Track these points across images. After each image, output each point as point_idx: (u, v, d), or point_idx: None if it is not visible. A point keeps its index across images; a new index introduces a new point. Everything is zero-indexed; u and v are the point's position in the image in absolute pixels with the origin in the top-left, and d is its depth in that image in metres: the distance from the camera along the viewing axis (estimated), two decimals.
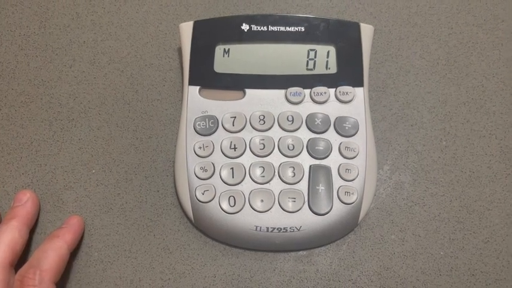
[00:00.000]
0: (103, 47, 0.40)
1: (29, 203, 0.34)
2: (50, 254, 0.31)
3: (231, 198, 0.33)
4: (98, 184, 0.36)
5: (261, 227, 0.33)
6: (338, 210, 0.33)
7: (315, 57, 0.37)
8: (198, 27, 0.37)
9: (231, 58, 0.37)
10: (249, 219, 0.33)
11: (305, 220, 0.33)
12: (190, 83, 0.37)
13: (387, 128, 0.37)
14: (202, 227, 0.35)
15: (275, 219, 0.33)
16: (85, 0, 0.42)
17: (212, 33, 0.37)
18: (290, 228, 0.33)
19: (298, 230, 0.33)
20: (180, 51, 0.40)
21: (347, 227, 0.34)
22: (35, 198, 0.35)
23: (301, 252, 0.34)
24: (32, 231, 0.35)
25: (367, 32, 0.37)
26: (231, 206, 0.33)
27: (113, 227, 0.35)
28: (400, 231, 0.35)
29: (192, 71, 0.37)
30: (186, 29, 0.37)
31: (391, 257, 0.34)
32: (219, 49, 0.37)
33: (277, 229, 0.33)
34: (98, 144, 0.37)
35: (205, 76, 0.37)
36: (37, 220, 0.35)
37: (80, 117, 0.38)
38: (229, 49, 0.37)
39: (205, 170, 0.34)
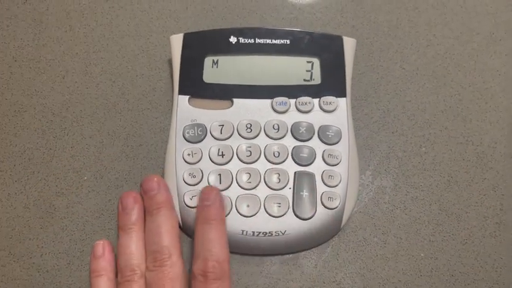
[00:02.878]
0: (95, 59, 0.42)
1: (162, 189, 0.34)
2: (217, 241, 0.31)
3: None
4: (90, 191, 0.37)
5: (247, 231, 0.34)
6: (321, 214, 0.35)
7: (300, 69, 0.39)
8: (188, 39, 0.39)
9: (220, 69, 0.39)
10: (236, 224, 0.34)
11: (290, 224, 0.34)
12: (180, 92, 0.38)
13: (369, 135, 0.39)
14: (190, 231, 0.36)
15: (261, 223, 0.34)
16: (78, 14, 0.43)
17: (201, 45, 0.39)
18: (275, 232, 0.34)
19: (283, 234, 0.34)
20: (169, 62, 0.41)
21: (330, 231, 0.35)
22: (164, 181, 0.35)
23: (286, 256, 0.35)
24: (23, 231, 0.36)
25: (349, 44, 0.39)
26: None
27: (104, 232, 0.36)
28: (382, 234, 0.36)
29: (182, 81, 0.38)
30: (177, 41, 0.39)
31: (373, 259, 0.35)
32: (208, 60, 0.39)
33: (263, 233, 0.34)
34: (90, 152, 0.38)
35: (195, 86, 0.38)
36: (28, 226, 0.36)
37: (72, 126, 0.39)
38: (217, 60, 0.39)
39: (194, 176, 0.35)
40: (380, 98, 0.40)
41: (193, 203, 0.35)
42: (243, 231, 0.34)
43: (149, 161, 0.38)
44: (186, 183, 0.35)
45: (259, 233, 0.34)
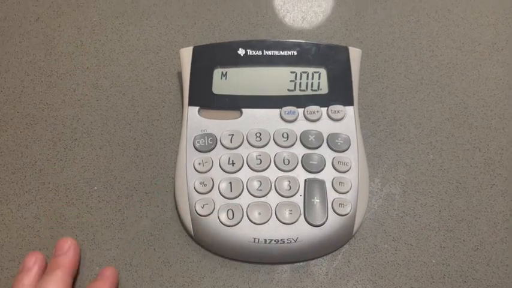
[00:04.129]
0: (105, 72, 0.43)
1: (71, 251, 0.34)
2: None
3: (230, 211, 0.35)
4: (100, 200, 0.37)
5: (258, 239, 0.34)
6: (333, 221, 0.35)
7: (307, 79, 0.39)
8: (197, 52, 0.40)
9: (229, 80, 0.39)
10: (247, 232, 0.34)
11: (301, 231, 0.34)
12: (190, 103, 0.39)
13: (377, 143, 0.39)
14: (202, 240, 0.36)
15: (272, 230, 0.34)
16: (89, 30, 0.44)
17: (210, 57, 0.40)
18: (287, 239, 0.34)
19: (295, 241, 0.34)
20: (179, 75, 0.42)
21: (342, 238, 0.35)
22: (76, 246, 0.35)
23: (297, 264, 0.35)
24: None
25: (355, 55, 0.40)
26: (229, 219, 0.34)
27: (114, 241, 0.36)
28: (392, 241, 0.36)
29: (192, 93, 0.39)
30: (186, 54, 0.40)
31: (385, 265, 0.35)
32: (217, 72, 0.40)
33: (275, 241, 0.34)
34: (100, 163, 0.39)
35: (204, 97, 0.39)
36: (39, 236, 0.36)
37: (82, 137, 0.40)
38: (226, 72, 0.40)
39: (205, 185, 0.36)
40: (386, 106, 0.41)
41: (204, 211, 0.35)
42: (254, 239, 0.34)
43: (159, 170, 0.38)
44: (197, 191, 0.35)
45: (271, 240, 0.34)
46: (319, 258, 0.35)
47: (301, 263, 0.35)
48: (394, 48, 0.43)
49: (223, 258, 0.35)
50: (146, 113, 0.41)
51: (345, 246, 0.36)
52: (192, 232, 0.35)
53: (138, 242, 0.36)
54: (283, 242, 0.34)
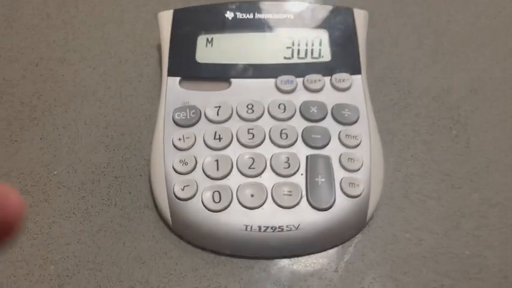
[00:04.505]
0: (74, 45, 0.37)
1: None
2: None
3: (216, 193, 0.28)
4: (60, 187, 0.31)
5: (251, 226, 0.28)
6: (342, 204, 0.28)
7: (307, 45, 0.34)
8: (178, 16, 0.34)
9: (215, 48, 0.34)
10: (238, 218, 0.28)
11: (304, 217, 0.28)
12: (170, 73, 0.33)
13: (390, 119, 0.34)
14: (182, 230, 0.29)
15: (268, 216, 0.28)
16: (57, 1, 0.39)
17: (194, 22, 0.34)
18: (287, 226, 0.28)
19: (296, 228, 0.28)
20: (158, 48, 0.37)
21: (354, 225, 0.29)
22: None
23: (300, 258, 0.29)
24: None
25: (361, 17, 0.35)
26: (215, 203, 0.28)
27: (75, 235, 0.29)
28: (415, 229, 0.29)
29: (172, 61, 0.33)
30: (165, 18, 0.34)
31: (407, 259, 0.29)
32: (202, 39, 0.34)
33: (271, 228, 0.28)
34: (63, 144, 0.32)
35: (186, 66, 0.33)
36: None
37: (43, 116, 0.34)
38: (212, 39, 0.34)
39: (186, 163, 0.29)
40: (398, 79, 0.35)
41: (185, 194, 0.28)
42: (246, 226, 0.28)
43: (132, 151, 0.32)
44: (176, 171, 0.29)
45: (267, 227, 0.28)
46: (327, 251, 0.29)
47: (305, 257, 0.29)
48: (404, 16, 0.38)
49: (208, 253, 0.29)
50: (119, 88, 0.35)
51: (357, 236, 0.29)
52: (170, 221, 0.29)
53: (105, 235, 0.29)
54: (282, 229, 0.28)
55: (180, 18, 0.34)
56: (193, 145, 0.30)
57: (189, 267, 0.28)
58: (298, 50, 0.34)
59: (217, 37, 0.34)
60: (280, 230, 0.28)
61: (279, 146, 0.30)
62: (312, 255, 0.29)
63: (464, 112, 0.34)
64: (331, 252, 0.29)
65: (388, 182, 0.31)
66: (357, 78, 0.33)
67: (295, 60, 0.33)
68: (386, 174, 0.31)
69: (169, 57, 0.33)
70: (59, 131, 0.33)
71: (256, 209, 0.28)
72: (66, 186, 0.31)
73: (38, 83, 0.35)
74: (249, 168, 0.29)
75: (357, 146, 0.30)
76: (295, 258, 0.29)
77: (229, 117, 0.31)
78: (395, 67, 0.36)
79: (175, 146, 0.30)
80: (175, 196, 0.28)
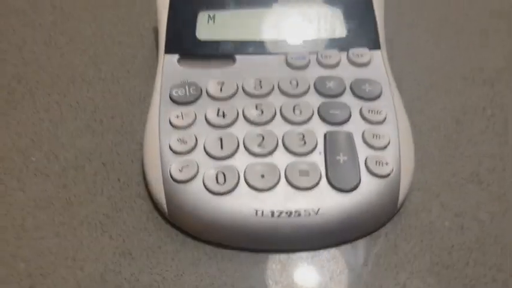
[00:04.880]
0: (62, 29, 0.34)
1: None
2: None
3: (220, 174, 0.24)
4: (37, 174, 0.26)
5: (262, 211, 0.23)
6: (369, 185, 0.24)
7: (319, 20, 0.31)
8: None
9: (217, 25, 0.30)
10: (246, 201, 0.23)
11: (324, 200, 0.23)
12: (167, 51, 0.29)
13: (415, 97, 0.30)
14: (179, 218, 0.24)
15: (282, 199, 0.23)
16: None
17: None
18: (304, 211, 0.23)
19: (316, 213, 0.23)
20: (155, 30, 0.33)
21: (384, 210, 0.24)
22: None
23: (321, 250, 0.24)
24: None
25: None
26: (219, 184, 0.24)
27: (52, 227, 0.25)
28: (455, 217, 0.25)
29: (170, 38, 0.30)
30: None
31: (449, 250, 0.24)
32: (203, 15, 0.31)
33: (286, 213, 0.23)
34: (43, 128, 0.28)
35: (186, 43, 0.30)
36: None
37: (22, 99, 0.30)
38: (214, 15, 0.31)
39: (184, 142, 0.25)
40: (421, 56, 0.32)
41: (184, 175, 0.24)
42: (256, 211, 0.23)
43: (123, 135, 0.28)
44: (173, 151, 0.25)
45: (281, 212, 0.23)
46: (352, 242, 0.24)
47: (327, 249, 0.24)
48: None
49: (211, 246, 0.24)
50: (111, 70, 0.31)
51: (387, 225, 0.25)
52: (166, 208, 0.24)
53: (88, 228, 0.25)
54: (299, 214, 0.23)
55: None
56: (193, 123, 0.26)
57: (188, 263, 0.23)
58: (310, 26, 0.30)
59: (220, 14, 0.31)
60: (297, 215, 0.23)
61: (293, 123, 0.26)
62: (335, 247, 0.24)
63: (499, 90, 0.30)
64: (358, 243, 0.24)
65: (419, 165, 0.27)
66: (377, 54, 0.29)
67: (306, 36, 0.30)
68: (416, 156, 0.26)
69: (167, 34, 0.30)
70: (40, 114, 0.29)
71: (268, 191, 0.24)
72: (44, 174, 0.26)
73: (19, 66, 0.31)
74: (258, 146, 0.25)
75: (382, 121, 0.26)
76: (315, 251, 0.24)
77: (234, 94, 0.27)
78: (417, 46, 0.32)
79: (172, 124, 0.26)
80: (172, 178, 0.24)
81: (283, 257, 0.24)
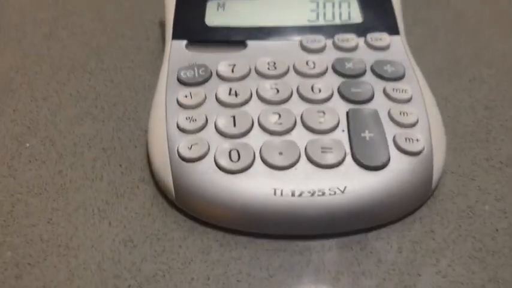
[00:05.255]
0: (64, 23, 0.32)
1: None
2: None
3: (234, 152, 0.22)
4: (31, 160, 0.24)
5: (282, 190, 0.21)
6: (400, 162, 0.22)
7: (333, 7, 0.29)
8: None
9: (227, 11, 0.29)
10: (263, 180, 0.21)
11: (351, 178, 0.21)
12: (175, 37, 0.28)
13: (438, 85, 0.28)
14: (188, 202, 0.22)
15: (303, 177, 0.21)
16: None
17: None
18: (329, 189, 0.21)
19: (342, 191, 0.21)
20: (162, 24, 0.32)
21: (418, 190, 0.22)
22: None
23: (349, 236, 0.21)
24: None
25: None
26: (233, 162, 0.21)
27: (45, 214, 0.22)
28: (495, 201, 0.22)
29: (177, 24, 0.28)
30: None
31: (492, 235, 0.21)
32: (212, 4, 0.29)
33: (309, 192, 0.21)
34: (40, 116, 0.26)
35: (194, 29, 0.28)
36: None
37: (20, 88, 0.28)
38: (224, 3, 0.30)
39: (194, 120, 0.23)
40: (441, 47, 0.30)
41: (193, 153, 0.22)
42: (275, 190, 0.21)
43: (126, 122, 0.26)
44: (181, 130, 0.23)
45: (303, 192, 0.20)
46: (383, 228, 0.21)
47: (355, 235, 0.21)
48: None
49: (223, 232, 0.21)
50: (114, 61, 0.30)
51: (421, 209, 0.22)
52: (173, 191, 0.22)
53: (84, 214, 0.22)
54: (323, 193, 0.20)
55: None
56: (202, 102, 0.24)
57: (197, 251, 0.21)
58: (324, 13, 0.29)
59: (231, 1, 0.30)
60: (320, 194, 0.20)
61: (311, 102, 0.24)
62: (364, 233, 0.21)
63: None
64: (390, 228, 0.21)
65: (450, 149, 0.24)
66: (396, 39, 0.28)
67: (321, 22, 0.29)
68: (446, 138, 0.24)
69: (175, 20, 0.28)
70: (38, 102, 0.27)
71: (287, 170, 0.21)
72: (39, 160, 0.24)
73: (18, 58, 0.30)
74: (275, 123, 0.23)
75: (409, 100, 0.24)
76: (342, 236, 0.21)
77: (247, 75, 0.25)
78: (435, 38, 0.31)
79: (180, 104, 0.24)
80: (180, 157, 0.22)
81: (306, 243, 0.21)
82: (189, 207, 0.22)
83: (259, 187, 0.21)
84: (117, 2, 0.34)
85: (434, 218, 0.22)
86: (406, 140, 0.22)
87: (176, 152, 0.22)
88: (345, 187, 0.21)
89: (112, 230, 0.21)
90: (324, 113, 0.23)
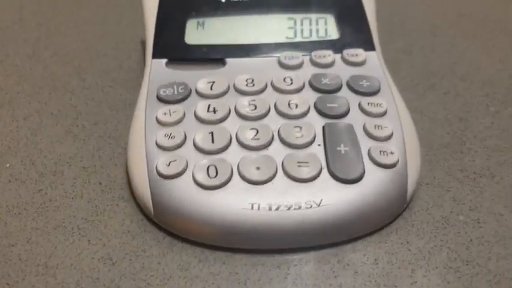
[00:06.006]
0: (46, 43, 0.33)
1: None
2: None
3: (211, 167, 0.22)
4: (11, 180, 0.24)
5: (259, 204, 0.21)
6: (375, 175, 0.22)
7: (310, 24, 0.30)
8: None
9: (207, 30, 0.30)
10: (241, 195, 0.21)
11: (327, 191, 0.21)
12: (155, 56, 0.28)
13: (414, 98, 0.28)
14: (167, 218, 0.22)
15: (280, 191, 0.21)
16: (34, 6, 0.36)
17: (183, 5, 0.31)
18: (305, 203, 0.21)
19: (318, 204, 0.21)
20: (143, 44, 0.32)
21: (393, 203, 0.22)
22: None
23: (326, 249, 0.21)
24: None
25: None
26: (211, 178, 0.22)
27: (24, 234, 0.22)
28: (469, 211, 0.23)
29: (157, 43, 0.29)
30: (150, 2, 0.31)
31: (466, 245, 0.21)
32: (192, 22, 0.30)
33: (285, 206, 0.21)
34: (20, 135, 0.26)
35: (174, 48, 0.29)
36: None
37: (1, 109, 0.28)
38: (204, 22, 0.30)
39: (172, 137, 0.23)
40: (417, 61, 0.31)
41: (171, 170, 0.22)
42: (252, 204, 0.21)
43: (106, 140, 0.26)
44: (160, 147, 0.23)
45: (280, 206, 0.21)
46: (360, 240, 0.22)
47: (332, 248, 0.21)
48: (413, 4, 0.35)
49: (202, 247, 0.21)
50: (95, 79, 0.30)
51: (397, 221, 0.23)
52: (152, 208, 0.22)
53: (64, 233, 0.22)
54: (299, 207, 0.21)
55: (167, 2, 0.31)
56: (181, 119, 0.24)
57: (176, 267, 0.21)
58: (302, 30, 0.30)
59: (210, 20, 0.30)
60: (297, 207, 0.21)
61: (288, 117, 0.24)
62: (341, 245, 0.21)
63: (499, 90, 0.29)
64: (366, 240, 0.22)
65: (426, 160, 0.25)
66: (372, 55, 0.28)
67: (298, 39, 0.29)
68: (421, 150, 0.25)
69: (155, 39, 0.29)
70: (18, 123, 0.27)
71: (264, 184, 0.21)
72: (19, 180, 0.24)
73: (0, 78, 0.30)
74: (252, 139, 0.23)
75: (383, 114, 0.25)
76: (320, 250, 0.21)
77: (226, 92, 0.26)
78: (411, 53, 0.32)
79: (159, 121, 0.24)
80: (159, 174, 0.22)
81: (283, 257, 0.21)
82: (167, 223, 0.22)
83: (237, 202, 0.21)
84: (99, 22, 0.34)
85: (410, 230, 0.22)
86: (380, 153, 0.23)
87: (155, 169, 0.22)
88: (321, 200, 0.21)
89: (91, 247, 0.21)
90: (300, 128, 0.24)
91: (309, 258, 0.21)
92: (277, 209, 0.21)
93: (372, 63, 0.28)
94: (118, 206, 0.23)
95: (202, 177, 0.21)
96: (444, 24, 0.34)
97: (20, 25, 0.34)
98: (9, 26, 0.34)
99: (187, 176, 0.22)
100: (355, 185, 0.22)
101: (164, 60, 0.28)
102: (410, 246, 0.21)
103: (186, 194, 0.21)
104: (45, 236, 0.22)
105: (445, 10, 0.35)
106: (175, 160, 0.22)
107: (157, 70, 0.27)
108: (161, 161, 0.22)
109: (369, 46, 0.29)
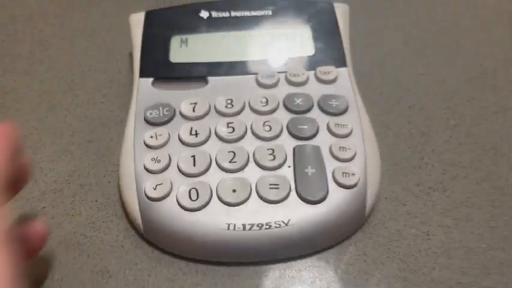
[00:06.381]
0: (40, 58, 0.35)
1: None
2: None
3: (193, 190, 0.25)
4: (16, 199, 0.27)
5: (234, 225, 0.24)
6: (337, 195, 0.25)
7: (287, 40, 0.32)
8: (150, 18, 0.33)
9: (190, 48, 0.32)
10: (218, 216, 0.24)
11: (294, 211, 0.24)
12: (142, 75, 0.31)
13: (381, 112, 0.31)
14: (155, 236, 0.25)
15: (253, 212, 0.24)
16: (25, 18, 0.37)
17: (166, 23, 0.33)
18: (275, 222, 0.24)
19: (286, 224, 0.24)
20: (131, 56, 0.34)
21: (352, 219, 0.25)
22: None
23: (293, 262, 0.25)
24: None
25: (342, 11, 0.33)
26: (192, 200, 0.25)
27: None
28: (421, 224, 0.26)
29: (144, 62, 0.31)
30: (137, 21, 0.33)
31: (416, 256, 0.25)
32: (175, 40, 0.32)
33: (258, 225, 0.24)
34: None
35: (159, 67, 0.31)
36: None
37: None
38: (187, 39, 0.32)
39: (158, 161, 0.26)
40: (387, 73, 0.33)
41: (158, 193, 0.25)
42: (228, 225, 0.24)
43: (100, 157, 0.29)
44: (148, 170, 0.26)
45: (252, 225, 0.24)
46: (323, 252, 0.25)
47: (298, 260, 0.25)
48: (387, 15, 0.36)
49: (186, 261, 0.25)
50: (88, 96, 0.32)
51: (356, 234, 0.26)
52: (141, 226, 0.25)
53: (66, 248, 0.25)
54: (270, 226, 0.24)
55: (152, 20, 0.33)
56: (166, 142, 0.27)
57: (164, 279, 0.24)
58: (279, 46, 0.32)
59: (192, 37, 0.32)
60: (267, 227, 0.24)
61: (263, 139, 0.27)
62: (306, 258, 0.25)
63: (460, 102, 0.31)
64: (328, 252, 0.25)
65: (386, 176, 0.28)
66: (343, 71, 0.31)
67: (276, 56, 0.31)
68: (383, 167, 0.28)
69: (141, 59, 0.31)
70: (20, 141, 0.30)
71: (239, 205, 0.25)
72: (23, 198, 0.27)
73: None
74: (230, 162, 0.26)
75: (348, 135, 0.27)
76: (288, 262, 0.25)
77: (207, 113, 0.28)
78: (382, 63, 0.34)
79: (146, 145, 0.27)
80: (147, 196, 0.25)
81: (256, 268, 0.24)
82: (156, 240, 0.25)
83: (215, 223, 0.24)
84: (89, 34, 0.36)
85: (367, 242, 0.25)
86: (343, 174, 0.25)
87: (143, 192, 0.25)
88: (289, 220, 0.24)
89: (90, 261, 0.25)
90: (273, 150, 0.26)
91: (277, 269, 0.24)
92: (250, 228, 0.24)
93: (343, 80, 0.30)
94: (112, 222, 0.26)
95: (185, 201, 0.24)
96: (416, 35, 0.36)
97: (14, 38, 0.36)
98: (2, 39, 0.36)
99: (172, 198, 0.25)
100: (319, 205, 0.25)
101: (150, 80, 0.30)
102: (366, 257, 0.25)
103: (172, 214, 0.24)
104: (49, 252, 0.25)
105: (419, 20, 0.37)
106: (162, 183, 0.25)
107: (144, 90, 0.30)
108: (149, 185, 0.25)
109: (341, 63, 0.31)
